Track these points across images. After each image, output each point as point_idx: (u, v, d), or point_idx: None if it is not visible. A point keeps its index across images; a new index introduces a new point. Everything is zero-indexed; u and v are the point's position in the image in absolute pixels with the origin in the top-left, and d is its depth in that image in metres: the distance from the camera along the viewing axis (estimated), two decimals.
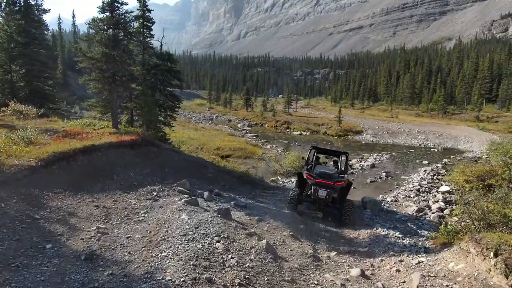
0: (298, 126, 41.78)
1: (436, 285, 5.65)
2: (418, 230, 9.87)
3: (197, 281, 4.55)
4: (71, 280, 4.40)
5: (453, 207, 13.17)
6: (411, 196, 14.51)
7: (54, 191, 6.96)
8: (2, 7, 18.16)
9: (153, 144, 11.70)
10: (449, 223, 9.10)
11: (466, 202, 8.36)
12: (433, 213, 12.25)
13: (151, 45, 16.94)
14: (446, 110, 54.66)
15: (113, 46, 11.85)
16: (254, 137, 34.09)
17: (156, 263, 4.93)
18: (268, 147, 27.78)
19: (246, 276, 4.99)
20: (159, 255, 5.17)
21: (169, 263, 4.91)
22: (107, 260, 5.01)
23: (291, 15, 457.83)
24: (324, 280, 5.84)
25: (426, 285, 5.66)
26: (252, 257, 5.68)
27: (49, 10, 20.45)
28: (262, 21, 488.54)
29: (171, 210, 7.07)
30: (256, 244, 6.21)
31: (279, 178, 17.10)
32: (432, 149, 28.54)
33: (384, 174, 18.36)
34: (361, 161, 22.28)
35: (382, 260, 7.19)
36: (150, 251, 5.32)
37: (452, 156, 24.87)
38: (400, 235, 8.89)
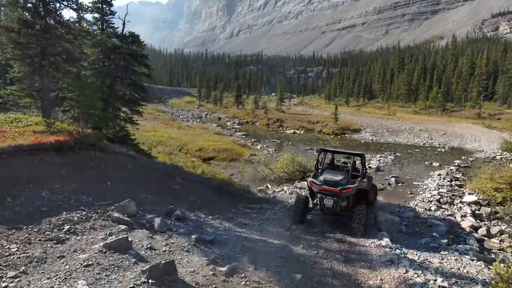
0: (292, 124, 38.92)
1: None
2: (463, 270, 7.01)
3: None
4: None
5: (490, 225, 10.41)
6: (432, 208, 11.70)
7: None
8: None
9: (95, 147, 8.62)
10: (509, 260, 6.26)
11: None
12: (467, 234, 9.45)
13: (112, 24, 13.86)
14: (445, 107, 52.48)
15: (39, 12, 8.72)
16: (244, 136, 31.10)
17: None
18: (258, 147, 24.82)
19: None
20: None
21: None
22: None
23: (284, 13, 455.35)
24: None
25: None
26: None
27: None
28: (255, 19, 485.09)
29: (69, 269, 4.05)
30: None
31: (269, 187, 14.15)
32: (438, 149, 25.90)
33: (393, 179, 15.53)
34: None
35: None
36: None
37: (463, 157, 22.23)
38: (445, 285, 6.00)
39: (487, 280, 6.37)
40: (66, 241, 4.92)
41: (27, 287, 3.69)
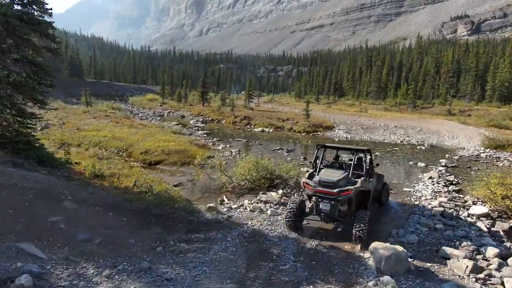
0: (260, 122, 35.72)
1: None
2: None
3: None
4: None
5: None
6: (437, 226, 8.86)
7: None
8: None
9: None
10: None
11: None
12: (498, 270, 6.60)
13: None
14: (416, 104, 51.89)
15: None
16: (205, 136, 27.42)
17: None
18: (220, 147, 21.32)
19: None
20: None
21: None
22: None
23: (254, 12, 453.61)
24: None
25: None
26: None
27: None
28: (224, 18, 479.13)
29: None
30: None
31: (225, 200, 10.74)
32: (418, 147, 23.80)
33: None
34: None
35: None
36: None
37: (447, 155, 20.10)
38: None
39: None
40: None
41: None
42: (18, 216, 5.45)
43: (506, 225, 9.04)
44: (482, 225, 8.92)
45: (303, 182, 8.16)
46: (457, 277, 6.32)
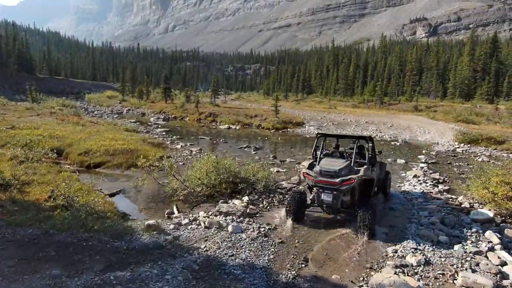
0: (226, 119, 33.33)
1: None
2: None
3: None
4: None
5: None
6: (441, 239, 7.08)
7: None
8: None
9: None
10: None
11: None
12: None
13: None
14: (383, 101, 52.13)
15: None
16: (164, 133, 24.57)
17: None
18: (179, 146, 18.71)
19: None
20: None
21: None
22: None
23: (221, 10, 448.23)
24: None
25: None
26: None
27: None
28: (191, 15, 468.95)
29: None
30: None
31: (175, 213, 8.32)
32: (392, 143, 22.69)
33: None
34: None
35: None
36: None
37: (423, 151, 19.01)
38: None
39: None
40: None
41: None
42: None
43: None
44: (493, 235, 7.24)
45: (303, 173, 7.85)
46: None
